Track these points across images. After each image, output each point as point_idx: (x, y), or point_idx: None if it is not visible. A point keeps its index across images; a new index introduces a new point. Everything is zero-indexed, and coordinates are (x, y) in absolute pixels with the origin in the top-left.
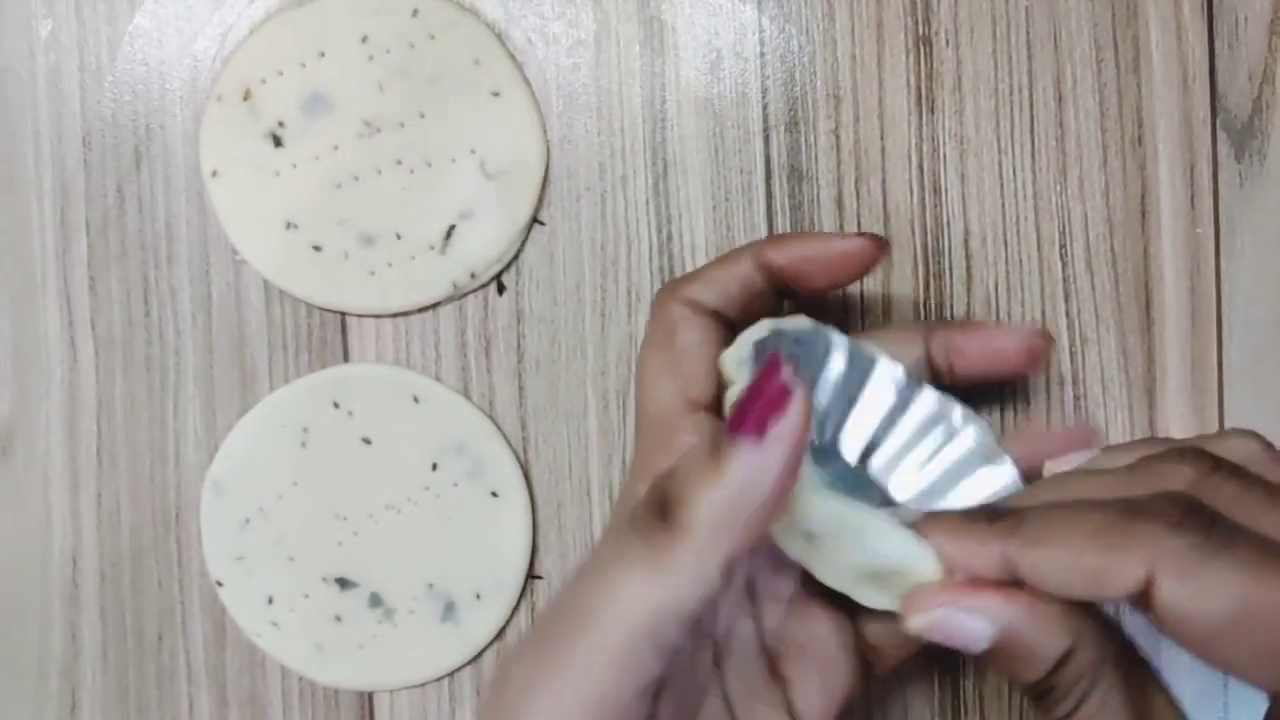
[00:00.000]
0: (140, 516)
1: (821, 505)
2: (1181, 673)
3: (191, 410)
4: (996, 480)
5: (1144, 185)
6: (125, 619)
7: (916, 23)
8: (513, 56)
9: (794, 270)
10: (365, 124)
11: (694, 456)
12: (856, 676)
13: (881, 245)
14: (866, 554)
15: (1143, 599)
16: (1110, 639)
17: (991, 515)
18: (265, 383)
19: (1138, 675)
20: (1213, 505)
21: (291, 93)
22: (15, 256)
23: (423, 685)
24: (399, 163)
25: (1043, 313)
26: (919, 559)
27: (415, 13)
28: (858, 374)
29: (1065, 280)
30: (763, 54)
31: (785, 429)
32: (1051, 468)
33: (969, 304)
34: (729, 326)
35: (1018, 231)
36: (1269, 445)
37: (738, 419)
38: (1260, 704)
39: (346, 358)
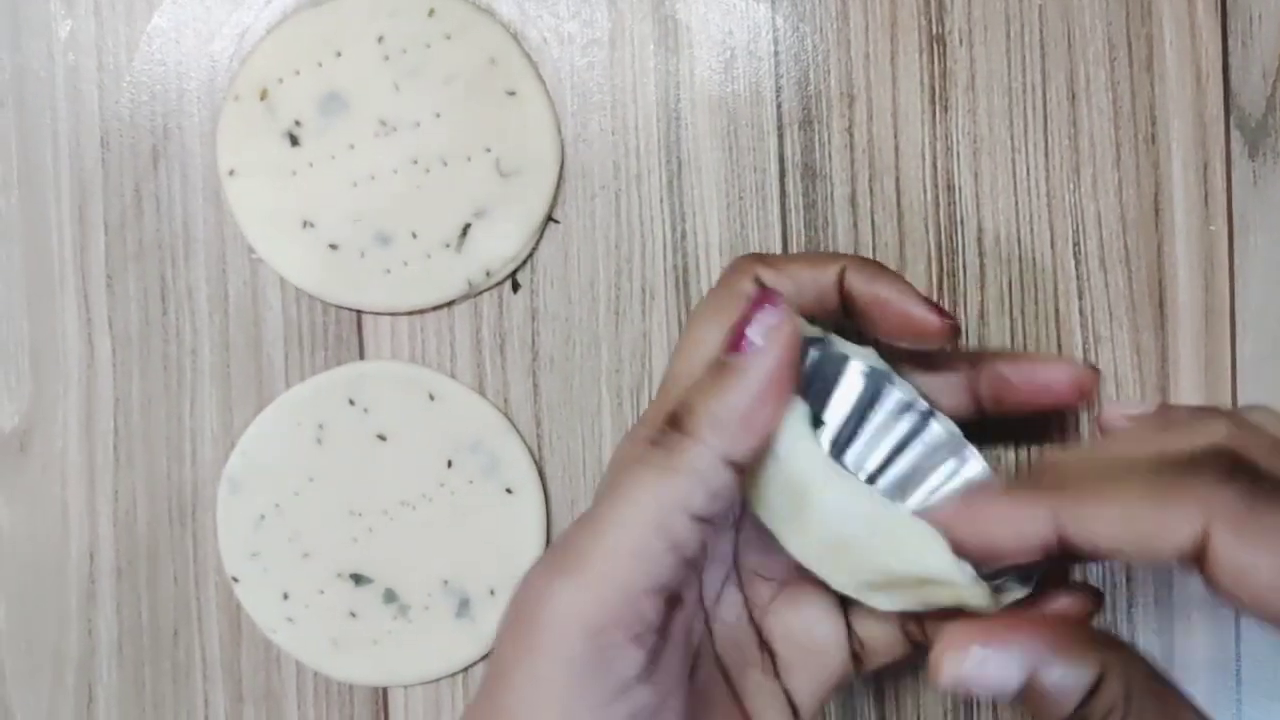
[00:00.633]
0: (156, 513)
1: (855, 505)
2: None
3: (208, 408)
4: (967, 471)
5: (1157, 183)
6: (141, 615)
7: (930, 21)
8: (528, 56)
9: (865, 306)
10: (381, 123)
11: (701, 375)
12: (846, 667)
13: (953, 331)
14: (903, 563)
15: (1193, 559)
16: (1139, 667)
17: (1036, 475)
18: (281, 380)
19: (1171, 704)
20: (1251, 458)
21: (308, 92)
22: (33, 255)
23: (437, 681)
24: (415, 162)
25: (1056, 311)
26: (956, 573)
27: (431, 13)
28: (833, 371)
29: (1079, 278)
30: (777, 53)
31: (770, 335)
32: (1113, 412)
33: (982, 302)
34: None
35: (1031, 230)
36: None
37: (732, 336)
38: None
39: (362, 355)
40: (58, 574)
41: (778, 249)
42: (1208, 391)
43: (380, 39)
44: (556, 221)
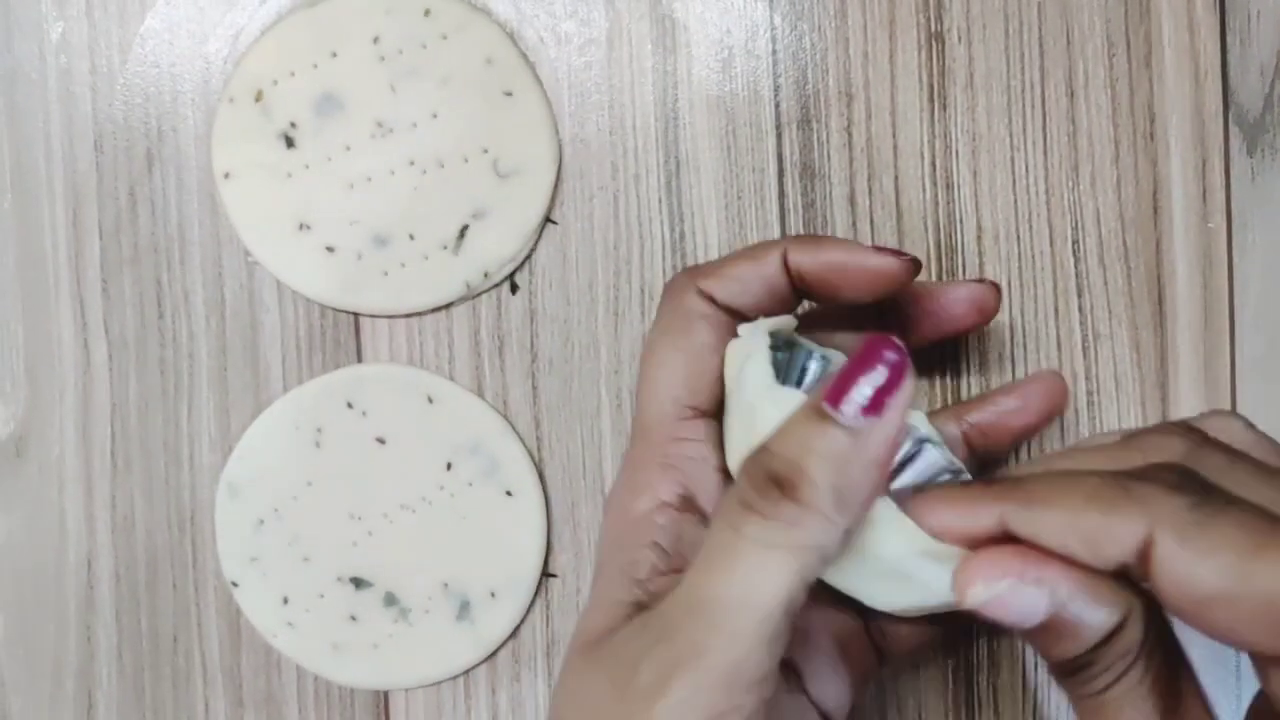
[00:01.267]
0: (155, 519)
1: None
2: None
3: (205, 412)
4: (936, 464)
5: (1156, 180)
6: (141, 621)
7: (928, 19)
8: (525, 56)
9: (819, 279)
10: (378, 124)
11: (801, 430)
12: (872, 663)
13: (915, 267)
14: (875, 544)
15: (1139, 565)
16: (1158, 620)
17: (988, 480)
18: (279, 384)
19: (1172, 661)
20: (1204, 475)
21: (303, 94)
22: (28, 260)
23: (438, 684)
24: (411, 163)
25: (1055, 309)
26: (934, 575)
27: (427, 13)
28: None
29: (1078, 276)
30: (775, 52)
31: (899, 400)
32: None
33: None
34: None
35: (1030, 228)
36: (1250, 425)
37: (843, 390)
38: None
39: (360, 358)
40: (56, 581)
41: None
42: (1207, 388)
43: (376, 39)
44: (554, 222)
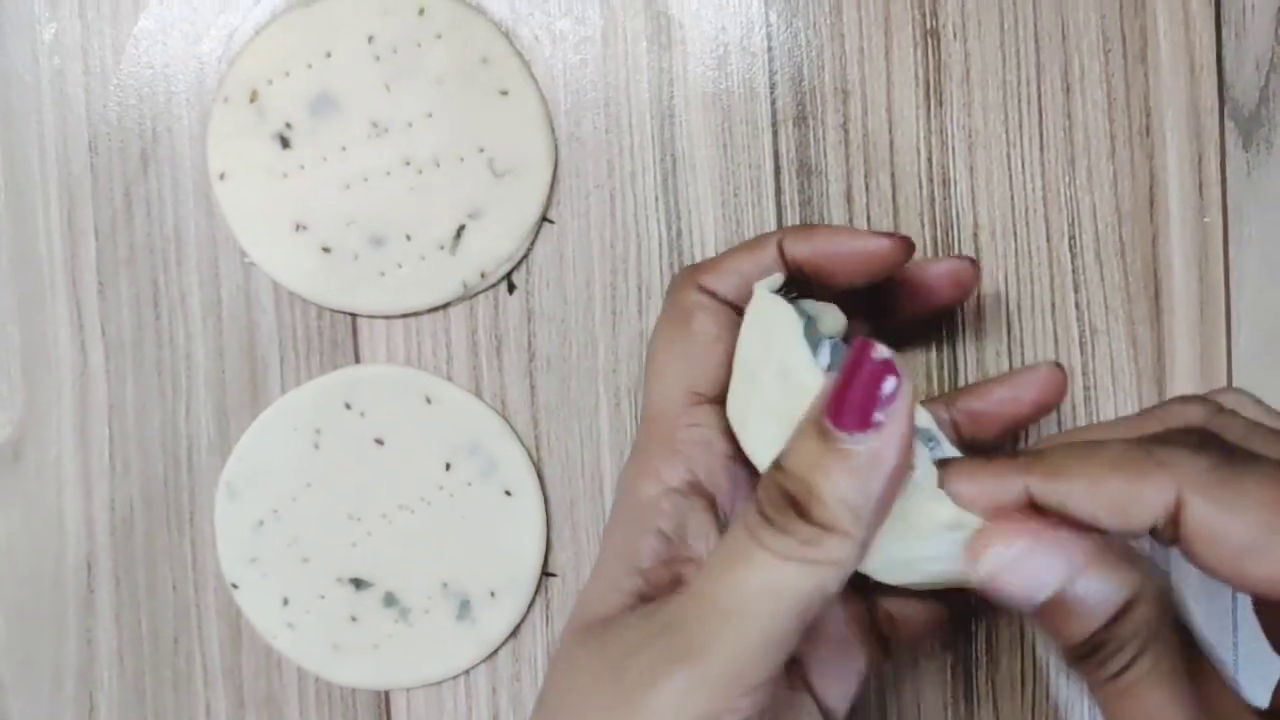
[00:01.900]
0: (154, 520)
1: None
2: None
3: (203, 414)
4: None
5: (1152, 175)
6: (141, 623)
7: (924, 16)
8: (520, 54)
9: (815, 266)
10: (373, 124)
11: (808, 447)
12: (874, 655)
13: (907, 246)
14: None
15: (1168, 528)
16: (1168, 600)
17: (1013, 453)
18: (277, 385)
19: (1188, 644)
20: (1224, 436)
21: (298, 94)
22: (23, 262)
23: (439, 683)
24: (407, 163)
25: (1052, 303)
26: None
27: (422, 12)
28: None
29: (1074, 271)
30: (770, 49)
31: (899, 410)
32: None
33: (979, 297)
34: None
35: (1027, 223)
36: (1259, 400)
37: (844, 408)
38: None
39: (358, 359)
40: (55, 583)
41: None
42: (1203, 382)
43: (370, 39)
44: (551, 221)
